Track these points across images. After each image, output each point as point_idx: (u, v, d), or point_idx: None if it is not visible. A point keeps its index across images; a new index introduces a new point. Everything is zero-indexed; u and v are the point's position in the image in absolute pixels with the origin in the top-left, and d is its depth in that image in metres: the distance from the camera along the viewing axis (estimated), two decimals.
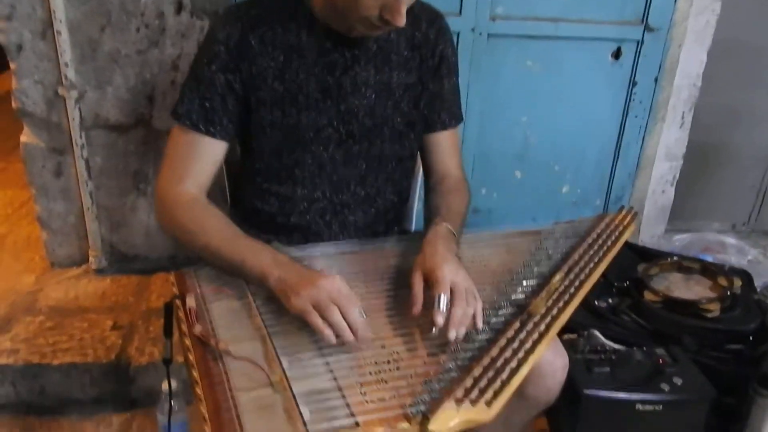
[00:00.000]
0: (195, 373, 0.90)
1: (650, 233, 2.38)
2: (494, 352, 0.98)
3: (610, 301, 1.87)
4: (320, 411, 0.84)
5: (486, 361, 0.96)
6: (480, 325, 1.01)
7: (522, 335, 1.02)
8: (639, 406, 1.51)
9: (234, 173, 1.36)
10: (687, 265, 1.94)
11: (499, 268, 1.21)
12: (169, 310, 1.07)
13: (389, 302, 1.09)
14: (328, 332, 0.93)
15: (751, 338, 1.75)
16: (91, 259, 2.14)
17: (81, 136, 1.98)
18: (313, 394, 0.87)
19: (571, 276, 1.18)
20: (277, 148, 1.20)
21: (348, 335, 0.94)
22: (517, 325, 1.04)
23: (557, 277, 1.11)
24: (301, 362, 0.93)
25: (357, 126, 1.21)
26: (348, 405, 0.86)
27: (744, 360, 1.70)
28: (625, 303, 1.85)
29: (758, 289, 1.94)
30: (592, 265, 1.24)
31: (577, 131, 2.17)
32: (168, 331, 1.07)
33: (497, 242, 1.32)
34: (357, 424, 0.83)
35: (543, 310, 1.08)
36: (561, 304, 1.11)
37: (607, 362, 1.59)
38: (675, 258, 1.96)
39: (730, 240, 2.30)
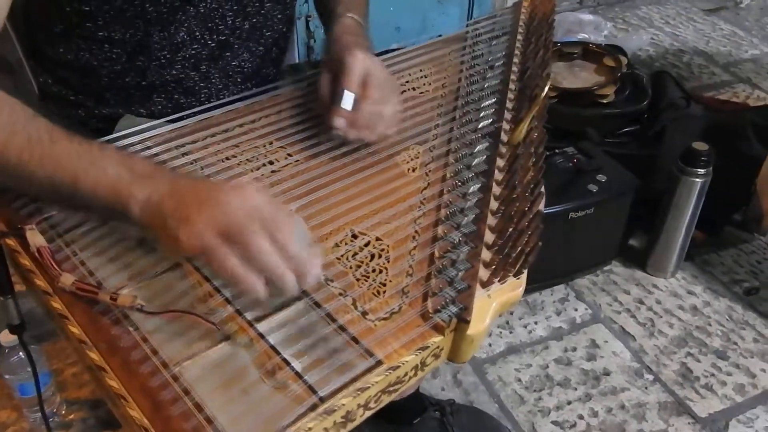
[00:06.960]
0: (93, 355, 0.55)
1: None
2: (495, 204, 0.72)
3: None
4: (316, 360, 0.55)
5: (493, 219, 0.70)
6: (391, 130, 0.79)
7: (519, 172, 0.76)
8: (572, 215, 1.38)
9: (37, 13, 0.84)
10: (568, 51, 1.78)
11: (438, 92, 0.92)
12: None
13: (332, 167, 0.77)
14: (251, 280, 0.53)
15: (645, 116, 1.68)
16: None
17: None
18: (294, 337, 0.57)
19: (529, 81, 0.92)
20: None
21: (289, 280, 0.54)
22: (503, 161, 0.78)
23: (540, 90, 0.85)
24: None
25: None
26: (355, 339, 0.56)
27: (644, 139, 1.63)
28: None
29: None
30: (541, 61, 0.98)
31: None
32: (6, 288, 0.68)
33: (418, 60, 0.99)
34: (380, 362, 0.55)
35: (525, 134, 0.83)
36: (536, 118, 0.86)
37: None
38: (557, 45, 1.78)
39: (587, 17, 2.18)
